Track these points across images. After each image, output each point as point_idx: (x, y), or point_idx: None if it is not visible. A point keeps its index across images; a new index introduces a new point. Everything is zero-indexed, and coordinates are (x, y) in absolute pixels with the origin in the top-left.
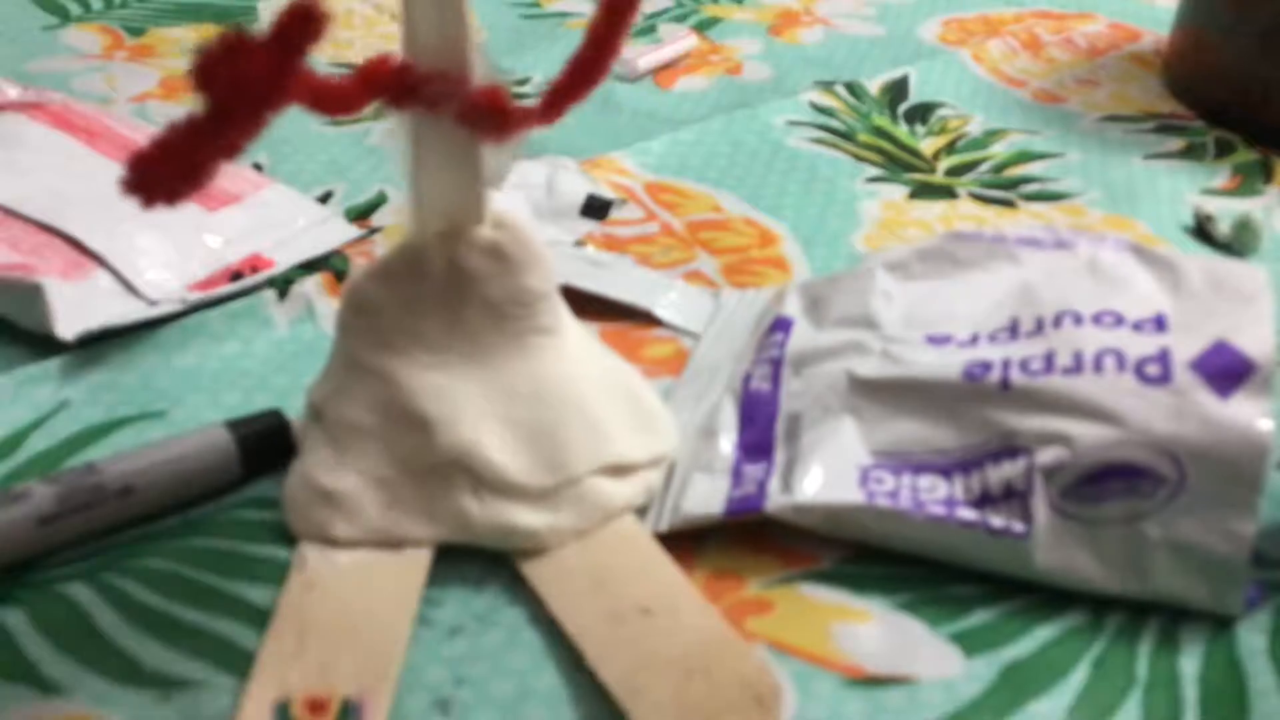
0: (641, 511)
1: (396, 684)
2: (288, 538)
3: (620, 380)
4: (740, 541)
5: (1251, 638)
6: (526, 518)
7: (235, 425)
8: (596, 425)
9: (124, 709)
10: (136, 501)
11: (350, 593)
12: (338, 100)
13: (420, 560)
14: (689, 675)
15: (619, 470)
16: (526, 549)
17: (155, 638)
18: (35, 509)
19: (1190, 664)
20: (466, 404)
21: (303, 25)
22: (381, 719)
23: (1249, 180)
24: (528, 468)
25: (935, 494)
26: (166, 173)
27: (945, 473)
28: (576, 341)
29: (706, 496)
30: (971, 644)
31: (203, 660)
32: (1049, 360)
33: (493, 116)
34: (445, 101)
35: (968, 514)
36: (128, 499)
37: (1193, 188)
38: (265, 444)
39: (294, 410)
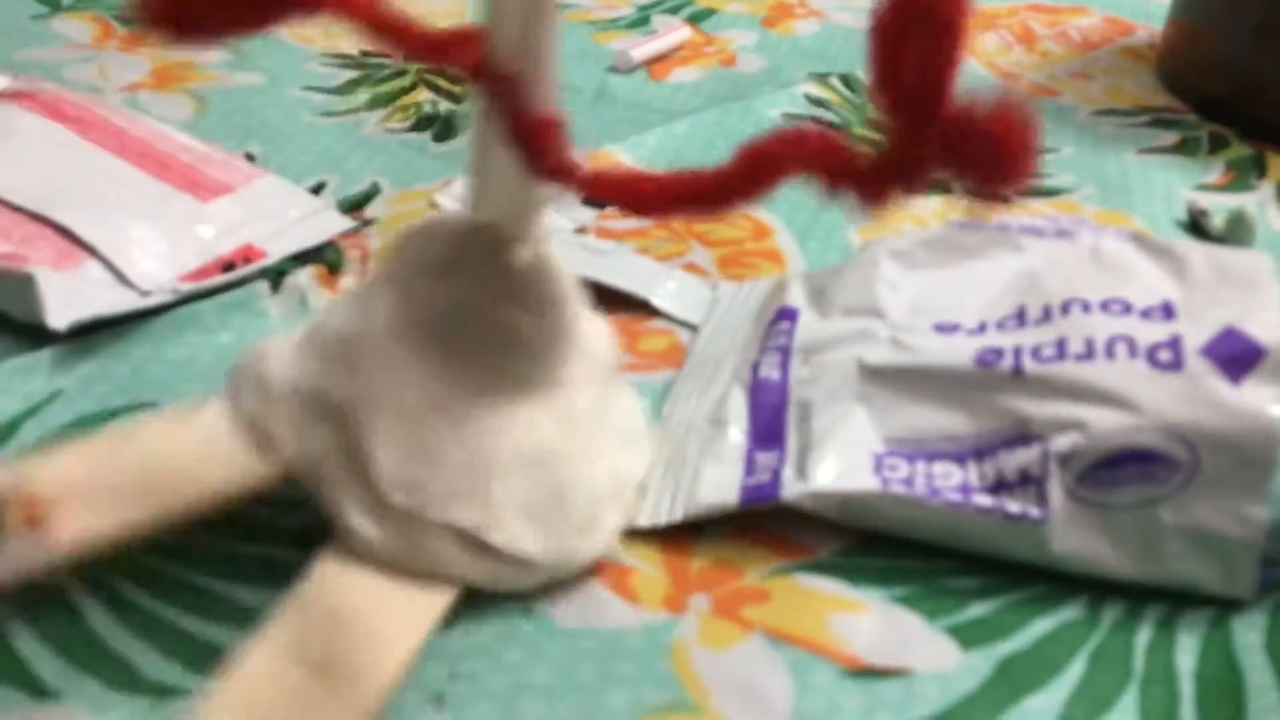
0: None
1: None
2: (288, 539)
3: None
4: (737, 532)
5: (1247, 633)
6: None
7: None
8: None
9: (120, 717)
10: None
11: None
12: (432, 48)
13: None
14: None
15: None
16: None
17: (151, 644)
18: None
19: (1187, 659)
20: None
21: None
22: None
23: (1242, 175)
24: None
25: (950, 481)
26: None
27: (959, 459)
28: (583, 390)
29: (720, 485)
30: (968, 637)
31: (199, 673)
32: (1061, 347)
33: (535, 148)
34: (503, 102)
35: (984, 500)
36: None
37: (1186, 182)
38: None
39: None
